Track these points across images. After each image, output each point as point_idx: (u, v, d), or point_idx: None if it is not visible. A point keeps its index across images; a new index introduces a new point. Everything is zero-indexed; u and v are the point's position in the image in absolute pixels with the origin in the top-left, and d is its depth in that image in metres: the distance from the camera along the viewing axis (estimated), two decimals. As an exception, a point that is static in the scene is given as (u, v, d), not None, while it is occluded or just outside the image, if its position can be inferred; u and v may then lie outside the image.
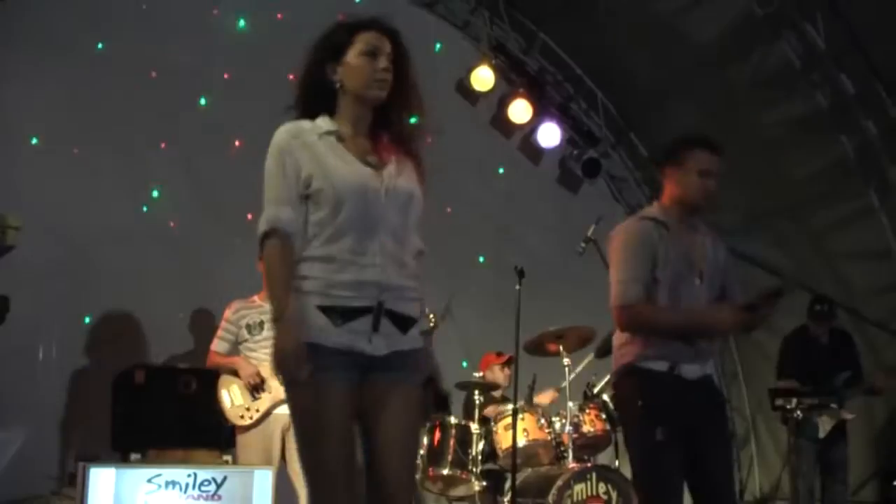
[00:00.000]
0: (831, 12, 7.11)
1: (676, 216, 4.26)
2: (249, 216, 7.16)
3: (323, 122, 3.17)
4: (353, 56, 3.14)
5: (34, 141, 6.71)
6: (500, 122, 8.90)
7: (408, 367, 3.12)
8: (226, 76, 7.48)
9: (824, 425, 6.90)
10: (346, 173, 3.07)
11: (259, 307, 6.05)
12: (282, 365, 2.95)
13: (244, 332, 6.02)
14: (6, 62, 6.60)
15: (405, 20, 8.50)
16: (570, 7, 8.34)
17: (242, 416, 5.88)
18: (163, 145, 7.19)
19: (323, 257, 3.04)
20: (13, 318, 5.20)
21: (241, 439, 5.92)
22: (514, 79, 8.73)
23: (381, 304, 3.05)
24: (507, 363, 7.21)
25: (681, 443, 4.03)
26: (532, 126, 8.84)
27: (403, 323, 3.12)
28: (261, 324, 5.99)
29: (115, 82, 6.95)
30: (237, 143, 7.38)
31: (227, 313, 6.11)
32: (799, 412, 6.45)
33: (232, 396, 5.92)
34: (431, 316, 6.26)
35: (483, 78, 8.40)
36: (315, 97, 3.21)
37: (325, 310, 3.01)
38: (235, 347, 6.05)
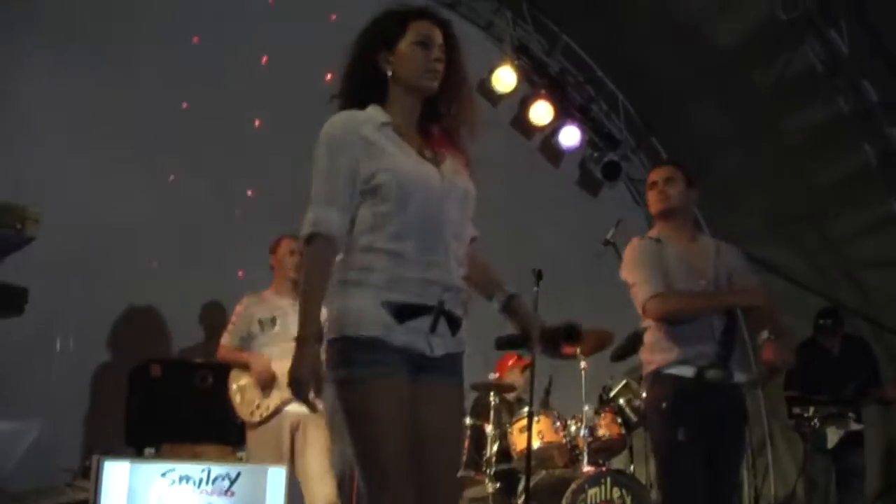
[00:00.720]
0: (855, 18, 7.06)
1: (667, 229, 4.64)
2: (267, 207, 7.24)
3: (376, 113, 3.07)
4: (406, 45, 3.07)
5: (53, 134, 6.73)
6: (521, 123, 8.88)
7: (455, 368, 3.09)
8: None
9: (832, 435, 6.85)
10: (410, 168, 2.99)
11: (271, 301, 6.04)
12: (293, 389, 2.86)
13: (255, 327, 5.98)
14: (26, 56, 6.62)
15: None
16: (594, 9, 8.32)
17: (252, 413, 5.85)
18: (179, 138, 7.19)
19: (390, 251, 2.94)
20: (31, 310, 5.22)
21: (252, 436, 5.89)
22: (535, 80, 8.71)
23: (441, 304, 2.99)
24: (525, 368, 7.19)
25: (701, 443, 4.26)
26: (553, 128, 8.81)
27: (455, 324, 3.06)
28: (272, 319, 5.96)
29: (135, 76, 6.96)
30: (259, 138, 7.38)
31: (239, 308, 6.08)
32: (817, 420, 6.43)
33: (242, 392, 5.91)
34: None
35: (504, 79, 8.37)
36: (364, 87, 3.12)
37: (389, 305, 2.91)
38: (244, 342, 6.01)
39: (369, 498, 2.87)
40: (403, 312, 2.92)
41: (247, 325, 5.99)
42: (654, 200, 4.67)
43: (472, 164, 3.21)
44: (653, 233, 4.69)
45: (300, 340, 2.86)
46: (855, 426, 6.84)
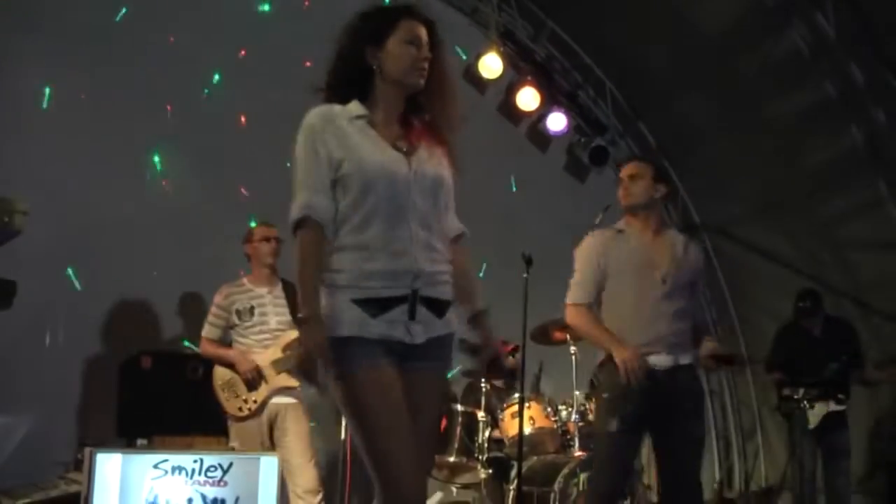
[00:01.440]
0: (841, 1, 7.07)
1: (632, 222, 4.90)
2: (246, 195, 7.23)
3: (354, 107, 3.16)
4: (394, 43, 3.15)
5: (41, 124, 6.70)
6: (508, 109, 8.87)
7: (441, 354, 3.16)
8: (241, 54, 7.45)
9: (813, 417, 6.88)
10: (374, 157, 3.07)
11: (249, 291, 6.05)
12: (306, 364, 2.97)
13: (234, 318, 6.00)
14: (17, 50, 6.60)
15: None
16: (579, -6, 8.33)
17: (241, 409, 5.88)
18: (171, 132, 7.17)
19: (354, 246, 3.04)
20: (19, 304, 5.20)
21: (237, 428, 5.92)
22: (522, 66, 8.70)
23: (415, 292, 3.05)
24: (513, 352, 7.19)
25: (640, 432, 4.76)
26: (540, 114, 8.81)
27: (439, 307, 3.13)
28: (251, 309, 5.98)
29: (122, 67, 6.93)
30: (245, 126, 7.37)
31: (218, 298, 6.08)
32: (806, 402, 6.46)
33: (227, 388, 5.91)
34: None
35: (491, 65, 8.35)
36: (349, 80, 3.20)
37: (360, 302, 3.00)
38: (226, 332, 6.04)
39: (377, 484, 2.97)
40: (375, 307, 3.01)
41: (226, 316, 6.01)
42: (621, 196, 4.93)
43: (454, 155, 3.27)
44: (620, 224, 4.95)
45: (304, 321, 2.98)
46: (835, 406, 6.86)
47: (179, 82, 7.16)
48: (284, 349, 5.89)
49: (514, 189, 8.77)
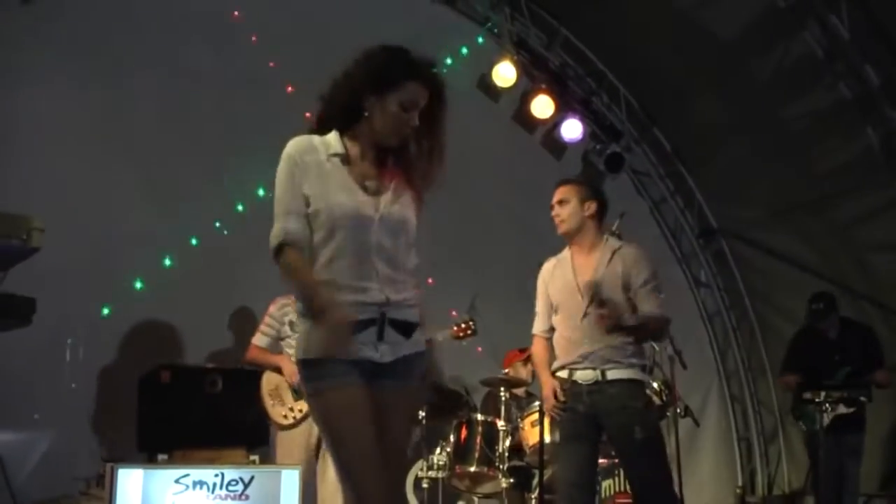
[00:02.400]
0: (855, 2, 7.04)
1: (575, 247, 5.03)
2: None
3: (333, 141, 3.30)
4: (392, 102, 3.24)
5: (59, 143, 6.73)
6: (523, 117, 8.87)
7: (411, 372, 3.31)
8: (247, 77, 7.48)
9: (828, 413, 6.83)
10: (342, 200, 3.21)
11: None
12: (321, 308, 3.09)
13: (287, 329, 6.06)
14: (30, 65, 6.63)
15: (426, 17, 8.55)
16: (591, 2, 8.32)
17: (286, 416, 5.94)
18: (184, 145, 7.19)
19: (325, 281, 3.19)
20: (39, 320, 5.23)
21: (283, 437, 5.99)
22: (535, 74, 8.70)
23: (384, 315, 3.23)
24: (529, 359, 7.19)
25: (583, 443, 4.84)
26: (555, 121, 8.80)
27: (406, 328, 3.29)
28: None
29: (138, 84, 6.96)
30: (259, 144, 7.38)
31: (272, 308, 6.16)
32: (828, 405, 6.41)
33: (274, 396, 5.97)
34: (471, 322, 6.28)
35: (505, 74, 8.35)
36: (341, 116, 3.31)
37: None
38: (276, 343, 6.10)
39: (346, 495, 3.18)
40: None
41: (278, 327, 6.06)
42: (556, 223, 5.06)
43: (421, 201, 3.38)
44: (564, 252, 5.11)
45: (319, 311, 3.10)
46: (844, 409, 6.80)
47: (192, 96, 7.18)
48: None
49: (530, 197, 8.75)
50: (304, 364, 3.22)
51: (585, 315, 4.80)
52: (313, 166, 3.24)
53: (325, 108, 3.35)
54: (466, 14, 8.69)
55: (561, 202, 5.02)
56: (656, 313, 4.83)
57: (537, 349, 5.13)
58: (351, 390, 3.16)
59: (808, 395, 6.58)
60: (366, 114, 3.26)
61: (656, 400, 6.20)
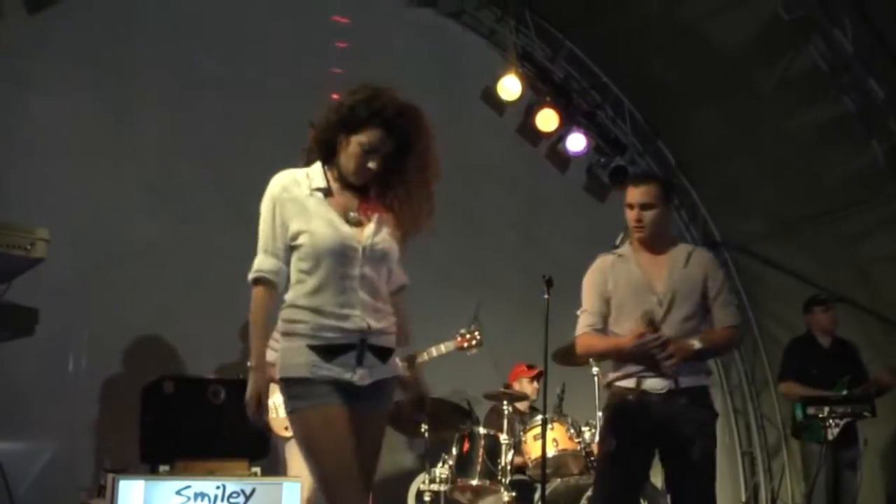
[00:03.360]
0: (859, 16, 7.05)
1: (636, 244, 4.71)
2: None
3: (316, 174, 3.51)
4: (354, 143, 3.42)
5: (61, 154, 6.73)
6: (528, 130, 8.88)
7: (384, 395, 3.52)
8: (255, 85, 7.49)
9: (833, 428, 6.81)
10: (327, 234, 3.39)
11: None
12: (248, 406, 3.42)
13: None
14: (35, 75, 6.65)
15: (432, 31, 8.56)
16: (596, 14, 8.32)
17: (287, 428, 5.92)
18: (190, 155, 7.20)
19: (310, 307, 3.40)
20: (42, 330, 5.23)
21: (290, 446, 6.01)
22: (540, 87, 8.71)
23: (363, 341, 3.41)
24: (537, 377, 7.19)
25: (638, 453, 4.51)
26: (559, 134, 8.81)
27: (383, 354, 3.48)
28: None
29: (144, 93, 6.98)
30: (266, 153, 7.39)
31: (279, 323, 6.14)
32: (831, 420, 6.38)
33: (277, 407, 5.97)
34: (476, 333, 6.29)
35: (510, 87, 8.36)
36: (324, 149, 3.52)
37: (314, 349, 3.37)
38: None
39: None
40: (328, 351, 3.38)
41: None
42: (630, 221, 4.70)
43: (403, 234, 3.53)
44: (623, 248, 4.81)
45: (250, 370, 3.44)
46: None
47: (198, 104, 7.19)
48: None
49: (534, 210, 8.76)
50: (286, 383, 3.41)
51: (665, 317, 4.47)
52: (296, 202, 3.44)
53: (313, 138, 3.55)
54: (472, 28, 8.71)
55: (645, 206, 4.60)
56: (728, 324, 4.58)
57: (594, 336, 4.63)
58: (329, 408, 3.33)
59: (812, 411, 6.55)
60: (338, 151, 3.46)
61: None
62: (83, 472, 6.40)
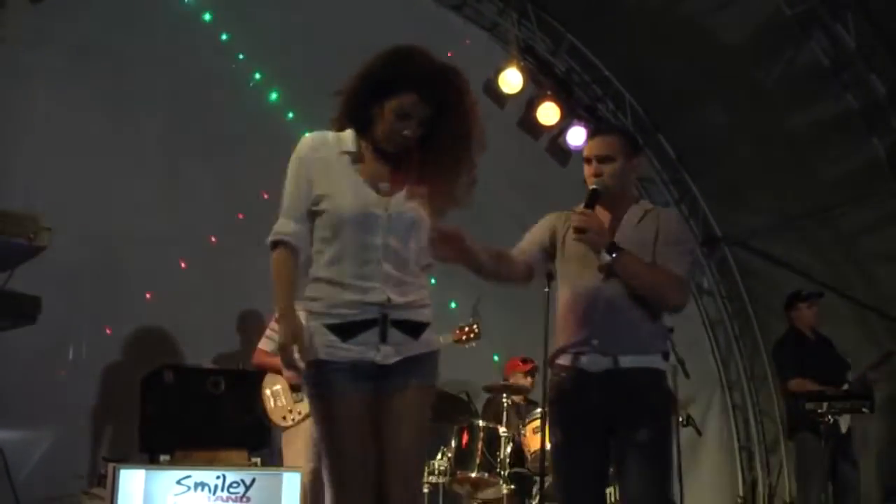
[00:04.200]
0: (861, 12, 7.06)
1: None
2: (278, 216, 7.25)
3: (347, 138, 3.30)
4: (388, 109, 3.22)
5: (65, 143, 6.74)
6: (528, 123, 8.88)
7: (419, 372, 3.28)
8: (255, 79, 7.49)
9: (844, 421, 6.83)
10: (350, 199, 3.21)
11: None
12: (280, 356, 3.23)
13: None
14: (36, 65, 6.64)
15: (432, 23, 8.55)
16: (598, 8, 8.32)
17: (285, 418, 6.00)
18: (190, 146, 7.20)
19: (328, 279, 3.23)
20: (43, 319, 5.23)
21: (285, 439, 6.05)
22: (541, 80, 8.71)
23: (385, 316, 3.21)
24: (531, 372, 7.21)
25: (590, 442, 3.82)
26: (560, 128, 8.81)
27: (414, 328, 3.27)
28: None
29: (146, 85, 6.97)
30: (267, 145, 7.40)
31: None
32: (830, 416, 6.40)
33: (275, 397, 6.01)
34: (475, 326, 6.29)
35: (511, 80, 8.36)
36: (355, 117, 3.31)
37: (332, 328, 3.20)
38: None
39: (328, 496, 3.20)
40: (346, 330, 3.19)
41: None
42: (587, 177, 4.14)
43: (435, 212, 3.35)
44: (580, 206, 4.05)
45: (279, 317, 3.22)
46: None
47: (200, 97, 7.19)
48: None
49: (535, 203, 8.76)
50: (305, 366, 3.23)
51: (606, 281, 3.81)
52: (323, 163, 3.26)
53: (340, 107, 3.34)
54: (473, 20, 8.70)
55: (604, 159, 4.03)
56: (670, 269, 3.81)
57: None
58: (351, 400, 3.17)
59: (811, 406, 6.56)
60: (371, 117, 3.26)
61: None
62: (83, 461, 6.41)
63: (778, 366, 7.42)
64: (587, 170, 4.13)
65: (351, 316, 3.19)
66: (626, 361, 3.78)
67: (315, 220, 3.27)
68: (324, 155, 3.27)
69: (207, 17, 7.39)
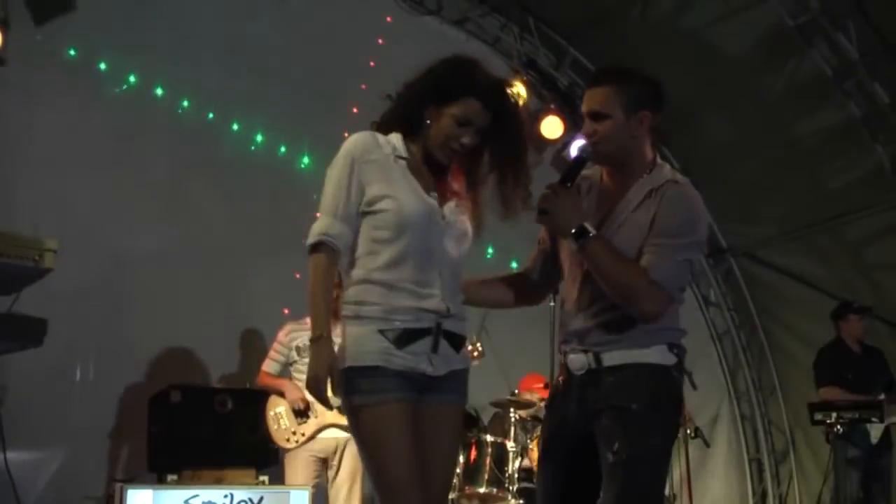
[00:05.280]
0: (863, 20, 7.06)
1: (602, 170, 3.48)
2: (284, 235, 7.26)
3: (397, 142, 3.17)
4: (448, 115, 3.13)
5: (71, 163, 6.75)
6: (532, 137, 8.86)
7: (459, 387, 3.19)
8: (256, 95, 7.50)
9: (875, 431, 6.81)
10: (414, 201, 3.08)
11: (310, 329, 6.11)
12: (310, 387, 3.02)
13: (294, 354, 6.12)
14: (42, 86, 6.66)
15: (435, 38, 8.56)
16: (600, 22, 8.33)
17: (288, 440, 6.00)
18: (195, 166, 7.21)
19: (383, 282, 3.05)
20: (50, 341, 5.22)
21: (288, 460, 6.04)
22: (544, 94, 8.72)
23: (439, 326, 3.08)
24: (547, 387, 7.21)
25: (571, 453, 3.26)
26: (564, 141, 8.81)
27: (457, 342, 3.15)
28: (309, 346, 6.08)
29: (149, 104, 7.00)
30: (270, 161, 7.41)
31: (280, 335, 6.22)
32: (839, 426, 6.37)
33: (279, 419, 6.01)
34: (478, 344, 6.28)
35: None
36: (405, 121, 3.20)
37: (386, 333, 3.03)
38: (286, 368, 6.18)
39: None
40: (402, 338, 3.03)
41: (287, 353, 6.13)
42: (584, 135, 3.42)
43: (478, 215, 3.26)
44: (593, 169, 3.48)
45: (313, 342, 3.05)
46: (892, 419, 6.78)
47: (204, 115, 7.21)
48: None
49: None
50: (352, 373, 3.02)
51: (584, 281, 3.23)
52: (378, 164, 3.10)
53: (391, 110, 3.24)
54: (476, 35, 8.72)
55: (597, 116, 3.32)
56: (646, 268, 3.10)
57: None
58: (398, 407, 2.99)
59: (819, 417, 6.53)
60: (427, 122, 3.15)
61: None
62: (91, 482, 6.40)
63: (815, 375, 7.39)
64: (583, 130, 3.45)
65: (408, 323, 3.03)
66: (612, 358, 3.18)
67: (369, 221, 3.08)
68: (378, 157, 3.11)
69: (213, 35, 7.39)
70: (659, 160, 3.47)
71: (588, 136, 3.34)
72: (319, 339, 3.02)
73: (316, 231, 3.07)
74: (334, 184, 3.09)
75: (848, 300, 7.47)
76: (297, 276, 6.37)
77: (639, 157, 3.37)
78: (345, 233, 3.07)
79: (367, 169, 3.08)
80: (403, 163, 3.14)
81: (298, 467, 5.95)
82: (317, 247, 3.06)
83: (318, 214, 3.12)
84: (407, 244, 3.05)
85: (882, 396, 6.74)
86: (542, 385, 7.21)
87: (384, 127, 3.22)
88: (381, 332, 3.02)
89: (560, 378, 3.37)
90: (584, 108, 3.39)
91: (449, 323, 3.10)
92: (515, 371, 7.54)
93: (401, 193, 3.07)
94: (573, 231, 3.15)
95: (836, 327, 7.43)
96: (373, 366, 2.99)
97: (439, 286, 3.08)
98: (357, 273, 3.09)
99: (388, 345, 3.01)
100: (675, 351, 3.23)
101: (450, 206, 3.18)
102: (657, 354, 3.18)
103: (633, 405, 3.11)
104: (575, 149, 8.67)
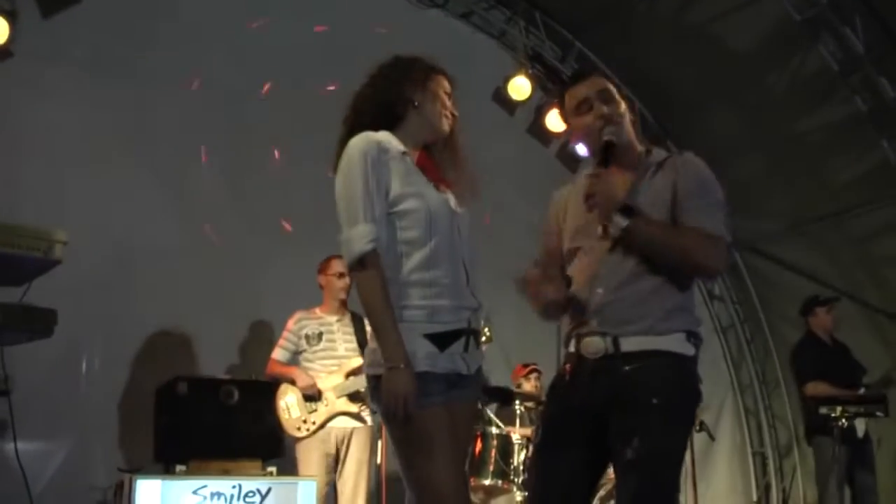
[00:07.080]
0: (870, 15, 7.06)
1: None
2: (289, 228, 7.29)
3: (395, 140, 3.10)
4: (434, 88, 3.17)
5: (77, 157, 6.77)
6: (538, 130, 8.89)
7: (478, 382, 3.18)
8: (266, 89, 7.51)
9: (860, 425, 6.81)
10: (435, 197, 3.06)
11: (319, 318, 6.23)
12: (402, 407, 2.86)
13: (303, 343, 6.16)
14: (50, 79, 6.68)
15: (441, 31, 8.57)
16: (606, 15, 8.33)
17: (299, 428, 6.02)
18: (204, 159, 7.23)
19: (421, 282, 2.99)
20: (58, 332, 5.25)
21: (300, 446, 6.07)
22: (550, 87, 8.73)
23: (469, 324, 3.05)
24: (530, 374, 7.28)
25: (574, 446, 3.17)
26: (569, 134, 8.81)
27: (479, 338, 3.14)
28: (319, 335, 6.16)
29: (157, 98, 7.01)
30: (277, 155, 7.42)
31: (290, 323, 6.25)
32: (844, 420, 6.39)
33: (290, 408, 6.04)
34: (486, 329, 6.29)
35: (520, 87, 8.40)
36: (384, 114, 3.13)
37: (430, 337, 2.97)
38: (295, 357, 6.21)
39: None
40: (444, 341, 2.98)
41: (296, 341, 6.18)
42: (590, 124, 3.38)
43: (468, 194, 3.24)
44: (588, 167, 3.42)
45: (393, 369, 2.87)
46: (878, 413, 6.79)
47: (212, 108, 7.21)
48: (347, 375, 6.07)
49: (543, 209, 8.76)
50: None
51: (610, 253, 3.17)
52: (395, 163, 3.02)
53: (364, 109, 3.16)
54: (481, 28, 8.73)
55: (607, 99, 3.35)
56: (701, 226, 3.13)
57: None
58: (443, 411, 2.95)
59: (825, 410, 6.54)
60: (416, 104, 3.12)
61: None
62: (98, 473, 6.43)
63: (795, 371, 7.38)
64: (583, 121, 3.36)
65: (448, 325, 2.98)
66: (630, 344, 3.10)
67: (393, 221, 2.99)
68: (392, 155, 3.02)
69: (220, 27, 7.40)
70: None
71: (606, 119, 3.30)
72: (398, 369, 2.86)
73: (360, 238, 2.92)
74: (359, 186, 2.95)
75: (814, 295, 7.45)
76: (303, 268, 6.41)
77: (636, 144, 3.43)
78: (381, 235, 2.95)
79: (386, 168, 2.99)
80: (409, 159, 3.09)
81: (312, 461, 5.97)
82: (367, 256, 2.91)
83: (341, 221, 3.00)
84: (438, 241, 3.00)
85: (862, 390, 6.78)
86: (524, 374, 7.27)
87: (355, 122, 3.14)
88: (427, 336, 2.96)
89: (566, 366, 3.26)
90: (584, 94, 3.36)
91: (475, 319, 3.08)
92: (518, 361, 7.59)
93: (423, 191, 3.03)
94: (620, 210, 3.10)
95: (805, 323, 7.42)
96: (421, 371, 2.91)
97: (466, 279, 3.06)
98: (389, 275, 2.96)
99: (433, 349, 2.95)
100: (692, 341, 3.18)
101: (452, 197, 3.16)
102: (676, 343, 3.13)
103: (653, 399, 3.03)
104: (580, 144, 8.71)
